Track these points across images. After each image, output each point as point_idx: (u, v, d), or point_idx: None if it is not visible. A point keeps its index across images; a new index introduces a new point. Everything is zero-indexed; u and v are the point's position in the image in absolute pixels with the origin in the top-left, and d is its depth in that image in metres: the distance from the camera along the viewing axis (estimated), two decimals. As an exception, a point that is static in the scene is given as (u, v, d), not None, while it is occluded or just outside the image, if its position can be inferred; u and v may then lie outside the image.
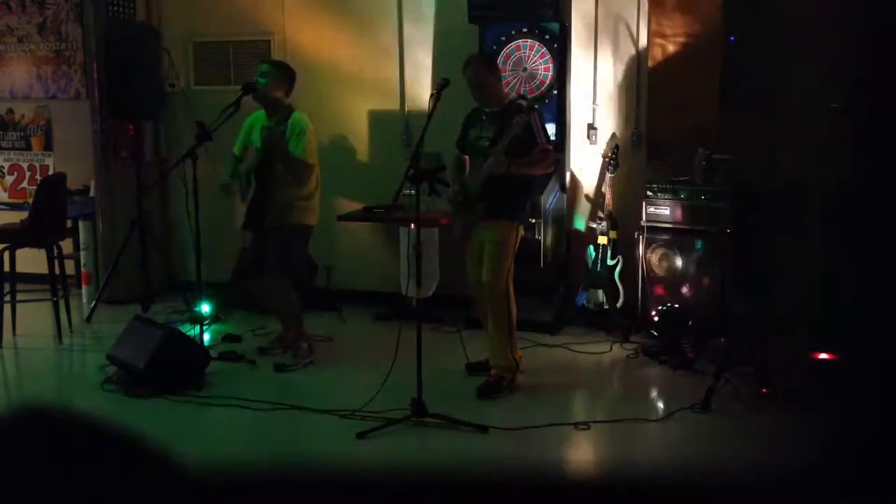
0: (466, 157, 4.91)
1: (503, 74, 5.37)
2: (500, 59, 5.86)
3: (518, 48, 5.99)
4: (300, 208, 5.16)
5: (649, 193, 5.72)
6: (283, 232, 5.16)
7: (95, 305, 6.48)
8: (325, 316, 6.27)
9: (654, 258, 5.71)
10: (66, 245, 6.83)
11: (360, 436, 4.14)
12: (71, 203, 6.56)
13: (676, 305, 5.50)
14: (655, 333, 5.49)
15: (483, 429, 4.23)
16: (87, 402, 4.75)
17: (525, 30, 5.98)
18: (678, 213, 5.64)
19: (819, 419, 4.25)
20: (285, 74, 5.23)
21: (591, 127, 6.26)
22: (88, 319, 6.38)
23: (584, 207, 6.34)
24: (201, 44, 7.14)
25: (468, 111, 5.12)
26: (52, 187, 6.03)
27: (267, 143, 5.06)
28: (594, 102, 6.24)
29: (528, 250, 5.26)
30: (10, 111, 7.64)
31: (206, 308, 5.73)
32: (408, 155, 4.97)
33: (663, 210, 5.68)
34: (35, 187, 6.38)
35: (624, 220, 5.97)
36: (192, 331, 5.34)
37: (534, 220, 5.67)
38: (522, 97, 5.36)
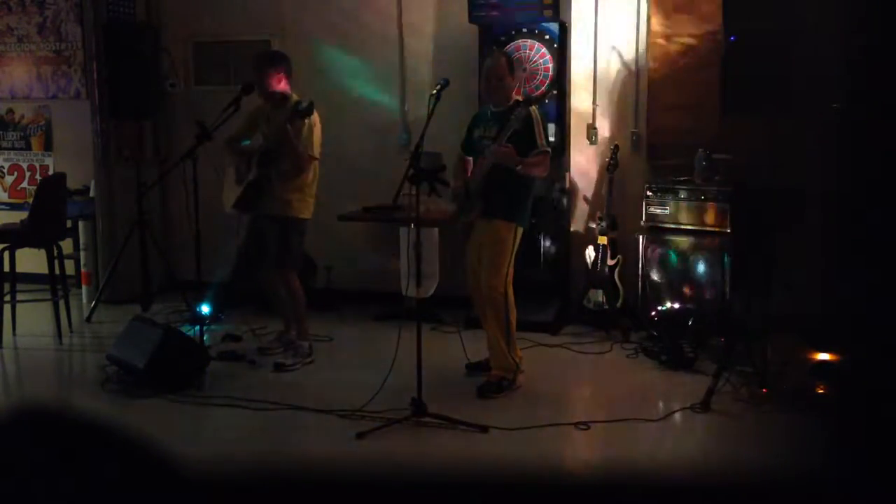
0: (469, 157, 4.91)
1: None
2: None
3: (518, 48, 5.99)
4: (298, 201, 5.17)
5: (649, 193, 5.73)
6: (281, 224, 5.17)
7: (95, 305, 6.48)
8: (326, 316, 6.26)
9: (654, 258, 5.71)
10: (66, 245, 6.83)
11: (360, 436, 4.14)
12: (71, 203, 6.56)
13: (676, 305, 5.50)
14: (655, 333, 5.49)
15: (483, 429, 4.23)
16: (87, 402, 4.75)
17: (525, 30, 5.98)
18: (678, 213, 5.64)
19: (819, 419, 4.25)
20: (282, 64, 5.22)
21: (591, 127, 6.26)
22: (88, 319, 6.38)
23: (584, 207, 6.34)
24: (201, 44, 7.14)
25: (468, 111, 5.13)
26: (52, 187, 6.03)
27: (274, 136, 5.04)
28: (594, 102, 6.24)
29: (528, 250, 5.25)
30: (10, 111, 7.64)
31: (205, 308, 5.73)
32: (407, 155, 4.97)
33: (663, 210, 5.68)
34: (35, 187, 6.38)
35: (624, 220, 5.97)
36: (192, 331, 5.34)
37: (534, 221, 5.67)
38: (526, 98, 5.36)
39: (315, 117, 5.09)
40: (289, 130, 4.94)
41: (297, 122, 4.97)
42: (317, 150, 5.13)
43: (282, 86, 5.16)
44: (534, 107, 4.64)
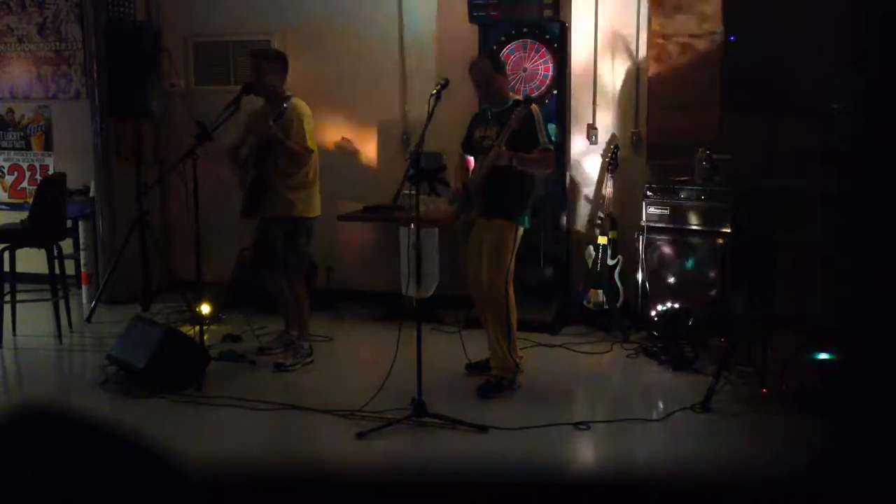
0: (470, 157, 4.92)
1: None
2: (500, 59, 5.86)
3: (518, 48, 5.99)
4: (302, 200, 5.16)
5: (649, 193, 5.72)
6: (288, 224, 5.17)
7: (95, 305, 6.48)
8: (325, 316, 6.26)
9: (654, 258, 5.71)
10: (66, 245, 6.83)
11: (360, 436, 4.14)
12: (71, 203, 6.56)
13: (676, 305, 5.50)
14: (655, 333, 5.49)
15: (483, 429, 4.23)
16: (87, 402, 4.75)
17: (525, 30, 5.98)
18: (678, 214, 5.64)
19: (819, 419, 4.25)
20: (278, 61, 5.22)
21: (591, 127, 6.26)
22: (88, 319, 6.38)
23: (584, 207, 6.34)
24: (201, 44, 7.14)
25: (468, 111, 5.13)
26: (52, 187, 6.03)
27: (263, 132, 5.05)
28: (594, 102, 6.24)
29: (528, 250, 5.25)
30: (10, 111, 7.64)
31: (206, 308, 5.73)
32: (407, 155, 4.97)
33: (663, 210, 5.68)
34: (35, 187, 6.38)
35: (624, 220, 5.97)
36: (191, 331, 5.34)
37: (534, 220, 5.66)
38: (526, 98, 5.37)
39: (305, 109, 5.10)
40: (272, 126, 4.95)
41: (281, 120, 4.99)
42: (312, 143, 5.12)
43: (276, 82, 5.16)
44: (534, 105, 4.64)
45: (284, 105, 5.11)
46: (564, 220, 6.24)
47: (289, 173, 5.11)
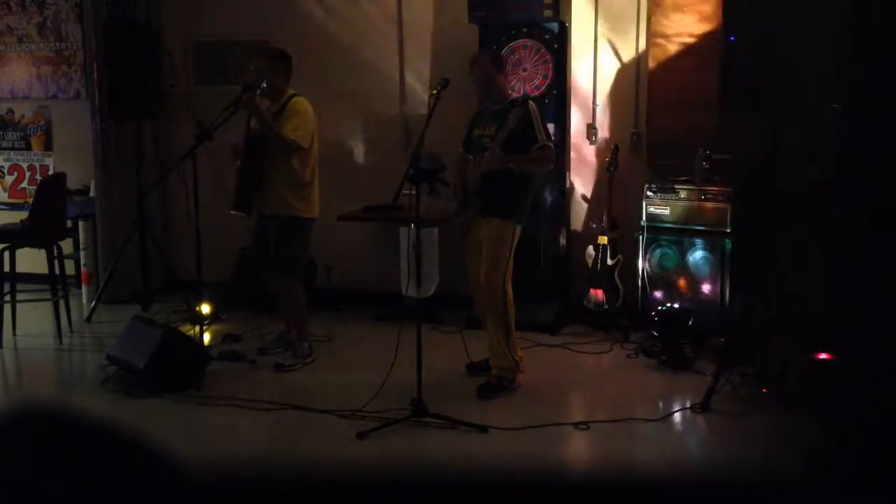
0: (469, 155, 4.92)
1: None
2: (500, 59, 5.85)
3: (518, 48, 5.99)
4: (298, 200, 5.15)
5: (649, 193, 5.73)
6: (283, 224, 5.16)
7: (95, 305, 6.48)
8: (325, 316, 6.26)
9: (653, 258, 5.71)
10: (66, 245, 6.83)
11: (360, 436, 4.14)
12: (71, 203, 6.56)
13: (676, 305, 5.50)
14: (655, 333, 5.49)
15: (483, 429, 4.23)
16: (87, 402, 4.75)
17: (525, 30, 5.98)
18: (678, 214, 5.64)
19: (819, 419, 4.25)
20: (280, 60, 5.22)
21: (591, 127, 6.26)
22: (88, 319, 6.38)
23: (583, 207, 6.34)
24: (201, 44, 7.14)
25: (468, 111, 5.13)
26: (52, 187, 6.03)
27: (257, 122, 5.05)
28: (594, 102, 6.24)
29: (528, 250, 5.25)
30: (10, 111, 7.64)
31: (206, 308, 5.73)
32: (407, 155, 4.97)
33: (663, 210, 5.68)
34: (35, 187, 6.38)
35: (624, 220, 5.97)
36: (191, 331, 5.34)
37: (534, 220, 5.66)
38: (524, 96, 5.37)
39: (305, 108, 5.10)
40: (259, 108, 4.93)
41: (280, 117, 5.00)
42: (305, 141, 5.08)
43: (279, 81, 5.16)
44: (531, 103, 4.64)
45: (286, 104, 5.11)
46: (564, 219, 6.24)
47: (286, 171, 5.09)
